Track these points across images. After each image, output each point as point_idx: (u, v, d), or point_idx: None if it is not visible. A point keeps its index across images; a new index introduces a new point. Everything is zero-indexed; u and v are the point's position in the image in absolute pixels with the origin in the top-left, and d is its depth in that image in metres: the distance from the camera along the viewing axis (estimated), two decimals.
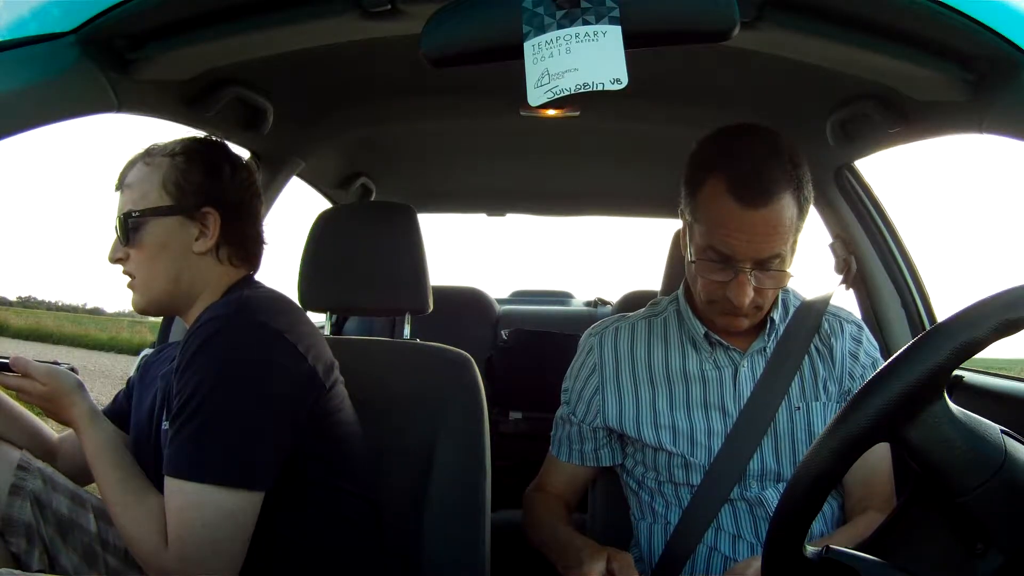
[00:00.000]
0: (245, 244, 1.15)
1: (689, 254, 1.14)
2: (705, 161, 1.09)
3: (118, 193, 1.13)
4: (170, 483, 0.94)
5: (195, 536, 0.92)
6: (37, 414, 1.21)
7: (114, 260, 1.12)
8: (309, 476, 1.05)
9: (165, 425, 1.00)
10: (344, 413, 1.11)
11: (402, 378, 1.34)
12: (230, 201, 1.12)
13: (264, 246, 1.19)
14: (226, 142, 1.20)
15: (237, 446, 0.94)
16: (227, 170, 1.13)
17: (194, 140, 1.15)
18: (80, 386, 1.08)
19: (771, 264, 1.07)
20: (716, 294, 1.10)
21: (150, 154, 1.12)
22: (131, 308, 1.17)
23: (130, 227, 1.08)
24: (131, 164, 1.13)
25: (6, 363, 1.08)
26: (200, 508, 0.92)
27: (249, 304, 1.02)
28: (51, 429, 1.25)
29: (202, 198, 1.09)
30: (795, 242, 1.09)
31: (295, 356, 1.01)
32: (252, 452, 0.95)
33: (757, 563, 0.99)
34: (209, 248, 1.10)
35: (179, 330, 1.68)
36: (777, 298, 1.17)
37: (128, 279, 1.12)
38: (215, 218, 1.10)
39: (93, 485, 1.10)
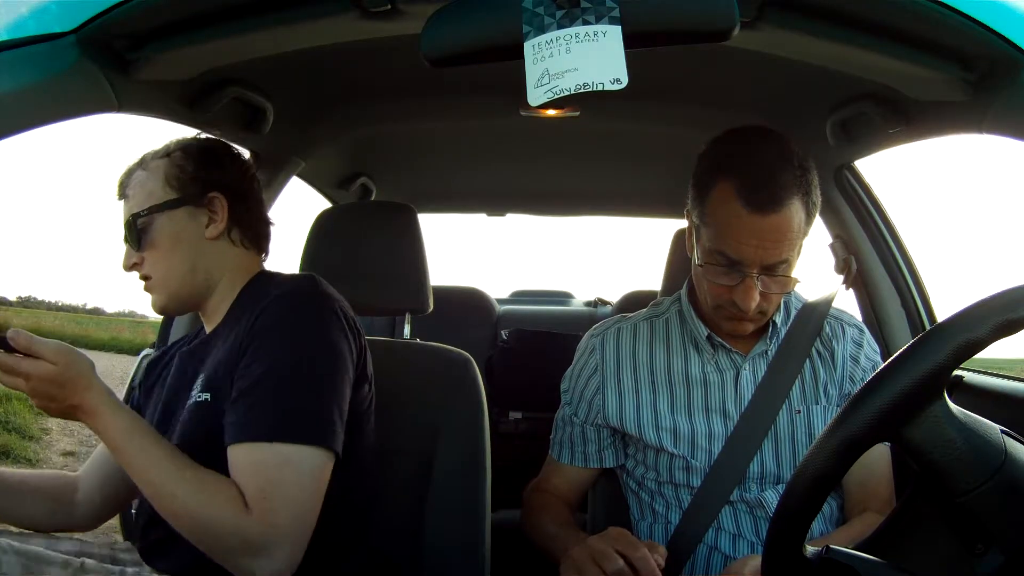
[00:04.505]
0: (254, 225, 1.16)
1: (696, 257, 1.13)
2: (714, 164, 1.09)
3: (121, 203, 1.13)
4: (244, 448, 0.93)
5: (278, 494, 0.91)
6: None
7: (129, 267, 1.12)
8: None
9: (202, 397, 1.01)
10: (369, 401, 1.14)
11: (402, 378, 1.34)
12: (233, 184, 1.13)
13: (272, 226, 1.21)
14: (219, 137, 1.22)
15: (316, 408, 0.96)
16: (225, 158, 1.15)
17: (187, 138, 1.17)
18: (93, 367, 0.96)
19: (778, 269, 1.06)
20: (722, 298, 1.10)
21: (145, 161, 1.14)
22: (131, 309, 1.19)
23: (139, 228, 1.09)
24: (129, 174, 1.14)
25: (2, 339, 0.90)
26: (281, 468, 0.92)
27: (316, 282, 1.06)
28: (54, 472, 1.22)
29: (206, 185, 1.11)
30: (801, 246, 1.09)
31: (355, 332, 1.07)
32: (329, 413, 0.97)
33: (753, 561, 0.99)
34: (221, 232, 1.11)
35: (179, 329, 1.68)
36: (781, 301, 1.16)
37: (145, 283, 1.12)
38: (222, 202, 1.11)
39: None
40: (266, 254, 1.20)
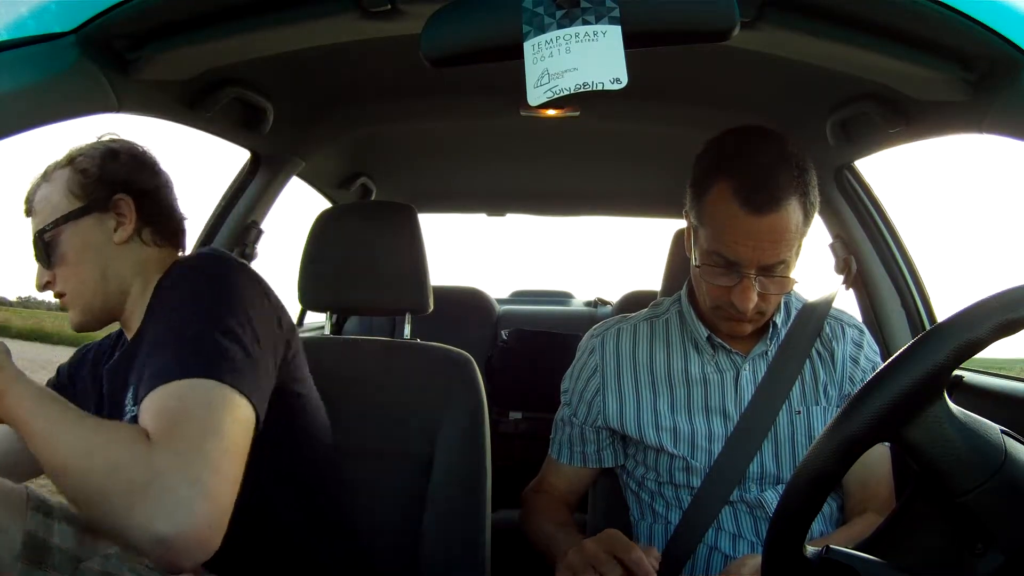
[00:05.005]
0: (164, 221, 1.11)
1: (694, 258, 1.13)
2: (712, 165, 1.08)
3: (29, 220, 1.09)
4: (147, 400, 0.84)
5: (184, 422, 0.80)
6: None
7: (42, 287, 1.07)
8: (273, 461, 1.00)
9: (136, 411, 0.91)
10: (308, 391, 1.08)
11: (402, 378, 1.34)
12: (138, 182, 1.09)
13: (185, 221, 1.16)
14: (117, 134, 1.16)
15: (220, 349, 0.87)
16: (124, 156, 1.11)
17: (87, 144, 1.13)
18: (8, 352, 0.88)
19: (776, 270, 1.06)
20: (720, 299, 1.10)
21: (48, 173, 1.10)
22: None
23: (47, 244, 1.05)
24: (34, 189, 1.10)
25: None
26: (184, 399, 0.82)
27: (223, 252, 1.02)
28: None
29: (110, 188, 1.07)
30: (800, 247, 1.08)
31: (265, 293, 1.00)
32: (235, 356, 0.88)
33: (752, 560, 0.99)
34: (131, 234, 1.07)
35: None
36: (780, 301, 1.16)
37: (60, 300, 1.08)
38: (128, 202, 1.07)
39: None
40: (182, 248, 1.15)
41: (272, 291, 1.03)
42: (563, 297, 3.72)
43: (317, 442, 1.11)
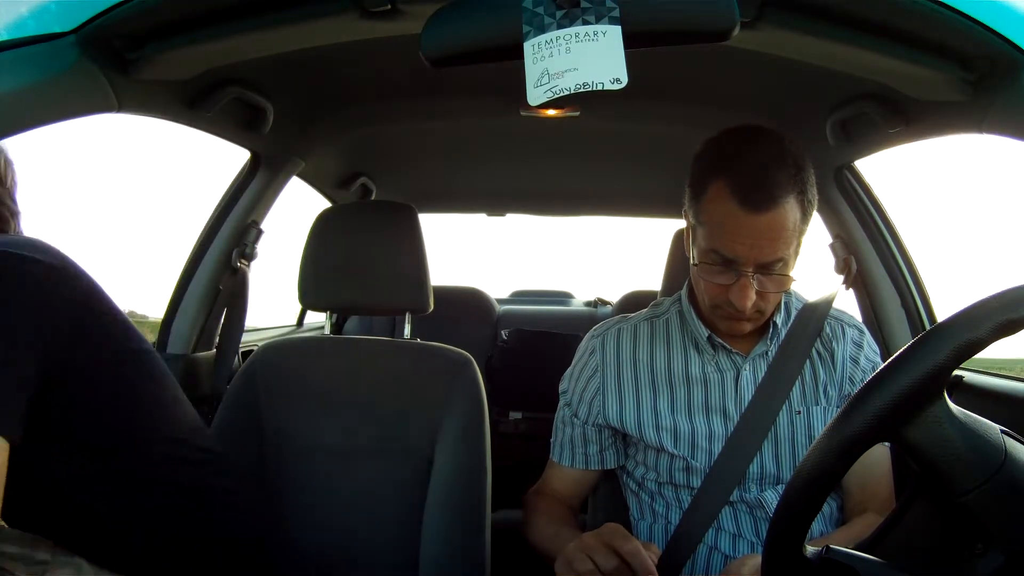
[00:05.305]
0: None
1: (692, 256, 1.14)
2: (709, 164, 1.09)
3: None
4: None
5: None
6: None
7: None
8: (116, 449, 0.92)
9: None
10: (135, 376, 0.98)
11: (402, 378, 1.34)
12: None
13: (19, 216, 1.08)
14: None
15: None
16: None
17: None
18: None
19: (774, 268, 1.06)
20: (719, 298, 1.10)
21: None
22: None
23: None
24: None
25: None
26: None
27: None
28: None
29: None
30: (798, 245, 1.08)
31: (41, 275, 0.85)
32: None
33: (752, 560, 0.99)
34: None
35: (181, 330, 1.68)
36: (780, 301, 1.16)
37: None
38: None
39: None
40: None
41: (59, 267, 0.88)
42: (563, 297, 3.72)
43: (166, 436, 1.00)
